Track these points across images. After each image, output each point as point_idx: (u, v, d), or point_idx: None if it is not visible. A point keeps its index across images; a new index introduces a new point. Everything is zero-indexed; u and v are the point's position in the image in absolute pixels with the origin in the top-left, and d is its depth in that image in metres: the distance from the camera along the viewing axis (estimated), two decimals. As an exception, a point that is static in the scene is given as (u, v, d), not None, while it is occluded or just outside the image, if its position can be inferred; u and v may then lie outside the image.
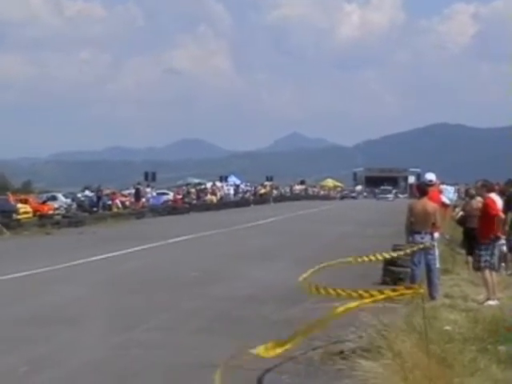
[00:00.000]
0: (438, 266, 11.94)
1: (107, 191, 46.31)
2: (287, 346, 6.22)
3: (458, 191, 38.48)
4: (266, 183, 72.41)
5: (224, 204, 54.33)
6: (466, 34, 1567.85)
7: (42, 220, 33.94)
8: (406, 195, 78.99)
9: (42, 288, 13.25)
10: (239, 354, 7.34)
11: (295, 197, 75.22)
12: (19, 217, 34.13)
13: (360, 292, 6.87)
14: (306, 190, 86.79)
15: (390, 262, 12.59)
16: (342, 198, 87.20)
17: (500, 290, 11.44)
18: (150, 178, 51.86)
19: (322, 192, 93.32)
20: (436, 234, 11.86)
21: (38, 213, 36.68)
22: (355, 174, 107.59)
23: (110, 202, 43.42)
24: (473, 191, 14.19)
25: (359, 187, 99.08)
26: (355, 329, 8.64)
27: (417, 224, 11.31)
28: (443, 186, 22.96)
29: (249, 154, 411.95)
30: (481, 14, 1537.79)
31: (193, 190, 56.05)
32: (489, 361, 7.07)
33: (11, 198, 37.53)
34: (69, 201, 43.38)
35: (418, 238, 11.22)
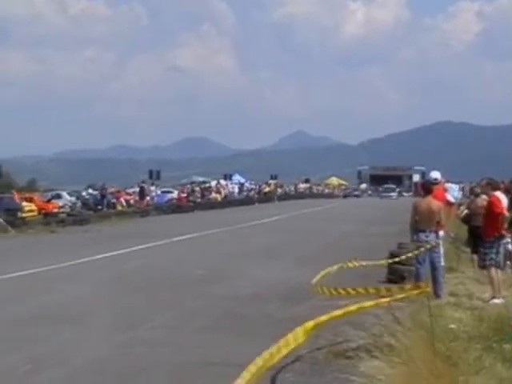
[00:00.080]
0: (442, 264, 11.92)
1: (111, 189, 46.32)
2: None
3: (462, 189, 38.42)
4: (271, 181, 72.34)
5: (228, 202, 54.32)
6: (471, 31, 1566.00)
7: (47, 218, 33.98)
8: (410, 193, 78.86)
9: (47, 286, 13.25)
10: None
11: (300, 195, 75.23)
12: (24, 215, 34.15)
13: (370, 290, 6.88)
14: (310, 188, 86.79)
15: (394, 261, 12.57)
16: (345, 196, 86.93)
17: (505, 288, 11.42)
18: (154, 176, 51.87)
19: (326, 190, 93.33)
20: (441, 233, 11.84)
21: (43, 211, 36.72)
22: (360, 173, 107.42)
23: (114, 201, 43.43)
24: (478, 189, 14.14)
25: (364, 185, 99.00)
26: (360, 327, 8.63)
27: (421, 222, 11.29)
28: (448, 185, 22.90)
29: (253, 153, 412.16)
30: (485, 12, 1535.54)
31: (197, 189, 56.04)
32: (494, 359, 7.06)
33: (16, 197, 37.59)
34: (73, 199, 43.39)
35: (422, 236, 11.21)
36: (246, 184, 69.45)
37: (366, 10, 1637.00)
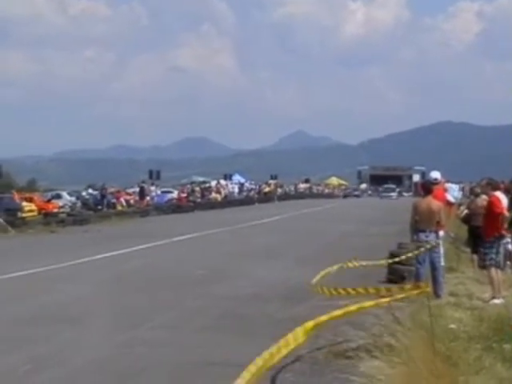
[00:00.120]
0: (442, 264, 11.92)
1: (111, 189, 46.32)
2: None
3: (462, 189, 38.42)
4: (271, 181, 72.36)
5: (228, 202, 54.33)
6: (471, 31, 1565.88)
7: (47, 218, 33.99)
8: (410, 193, 78.86)
9: (47, 286, 13.25)
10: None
11: (300, 195, 75.24)
12: (24, 215, 34.15)
13: (370, 290, 6.89)
14: (310, 188, 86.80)
15: (394, 261, 12.58)
16: (345, 196, 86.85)
17: (505, 288, 11.42)
18: (154, 176, 51.88)
19: (326, 190, 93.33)
20: (441, 233, 11.84)
21: (43, 211, 36.73)
22: (360, 173, 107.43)
23: (114, 201, 43.43)
24: (478, 189, 14.14)
25: (364, 185, 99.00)
26: (360, 327, 8.63)
27: (421, 222, 11.29)
28: (448, 185, 22.90)
29: (253, 153, 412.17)
30: (485, 12, 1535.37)
31: (197, 189, 56.05)
32: (494, 359, 7.06)
33: (16, 197, 37.59)
34: (73, 199, 43.39)
35: (422, 236, 11.21)
36: (246, 184, 69.46)
37: (365, 9, 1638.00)
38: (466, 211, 15.05)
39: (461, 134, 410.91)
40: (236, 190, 63.46)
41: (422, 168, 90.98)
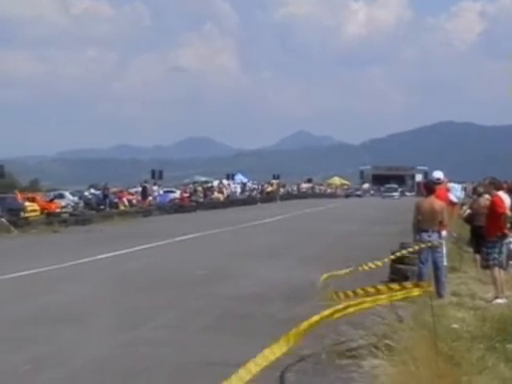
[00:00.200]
0: (445, 264, 11.90)
1: (114, 189, 46.32)
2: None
3: (465, 189, 38.37)
4: (273, 181, 72.35)
5: (231, 202, 54.33)
6: (473, 31, 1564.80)
7: (50, 218, 33.97)
8: (413, 193, 78.80)
9: (48, 286, 13.24)
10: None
11: (302, 195, 75.23)
12: (27, 215, 34.17)
13: (371, 290, 6.86)
14: (312, 188, 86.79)
15: (397, 260, 12.55)
16: (347, 196, 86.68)
17: (508, 288, 11.39)
18: (156, 176, 51.86)
19: (328, 190, 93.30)
20: (443, 233, 11.83)
21: (46, 211, 36.72)
22: (362, 172, 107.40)
23: (116, 200, 43.43)
24: (480, 189, 14.12)
25: (366, 185, 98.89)
26: (363, 327, 8.62)
27: (424, 222, 11.28)
28: (451, 184, 22.88)
29: (255, 153, 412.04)
30: (488, 12, 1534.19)
31: (200, 189, 56.06)
32: (497, 359, 7.05)
33: (19, 197, 37.60)
34: (76, 199, 43.40)
35: (425, 236, 11.20)
36: (249, 184, 69.46)
37: (367, 9, 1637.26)
38: (468, 211, 15.02)
39: (463, 133, 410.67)
40: (238, 189, 63.44)
41: (425, 168, 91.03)
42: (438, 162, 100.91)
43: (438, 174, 13.86)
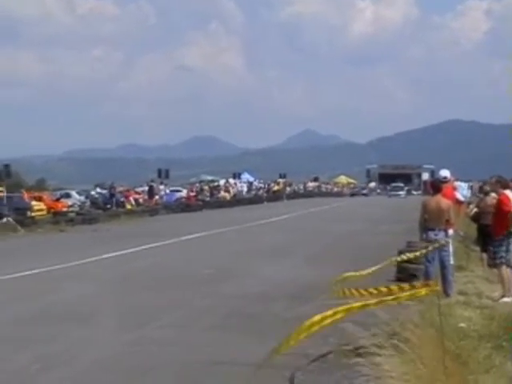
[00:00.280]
0: (452, 262, 11.86)
1: (120, 188, 46.37)
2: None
3: (471, 188, 38.26)
4: (280, 180, 72.31)
5: (237, 201, 54.34)
6: (480, 30, 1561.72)
7: (56, 217, 34.02)
8: (419, 192, 78.61)
9: (54, 285, 13.25)
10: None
11: (309, 194, 75.20)
12: (33, 214, 34.25)
13: (380, 289, 6.85)
14: (319, 186, 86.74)
15: (403, 259, 12.51)
16: (352, 195, 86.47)
17: (515, 286, 11.34)
18: (163, 175, 51.88)
19: (335, 189, 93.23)
20: (450, 231, 11.78)
21: (52, 210, 36.82)
22: (368, 171, 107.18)
23: (123, 200, 43.48)
24: (487, 187, 14.07)
25: (373, 184, 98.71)
26: (369, 325, 8.58)
27: (431, 221, 11.24)
28: (457, 183, 22.82)
29: (262, 151, 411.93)
30: (494, 10, 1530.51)
31: (206, 188, 56.10)
32: (504, 358, 7.02)
33: (25, 196, 37.69)
34: (82, 198, 43.51)
35: (431, 234, 11.16)
36: (255, 183, 69.47)
37: (374, 8, 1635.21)
38: (475, 209, 14.98)
39: (470, 132, 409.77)
40: (245, 188, 63.44)
41: (431, 166, 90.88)
42: (445, 161, 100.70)
43: (445, 173, 13.82)
